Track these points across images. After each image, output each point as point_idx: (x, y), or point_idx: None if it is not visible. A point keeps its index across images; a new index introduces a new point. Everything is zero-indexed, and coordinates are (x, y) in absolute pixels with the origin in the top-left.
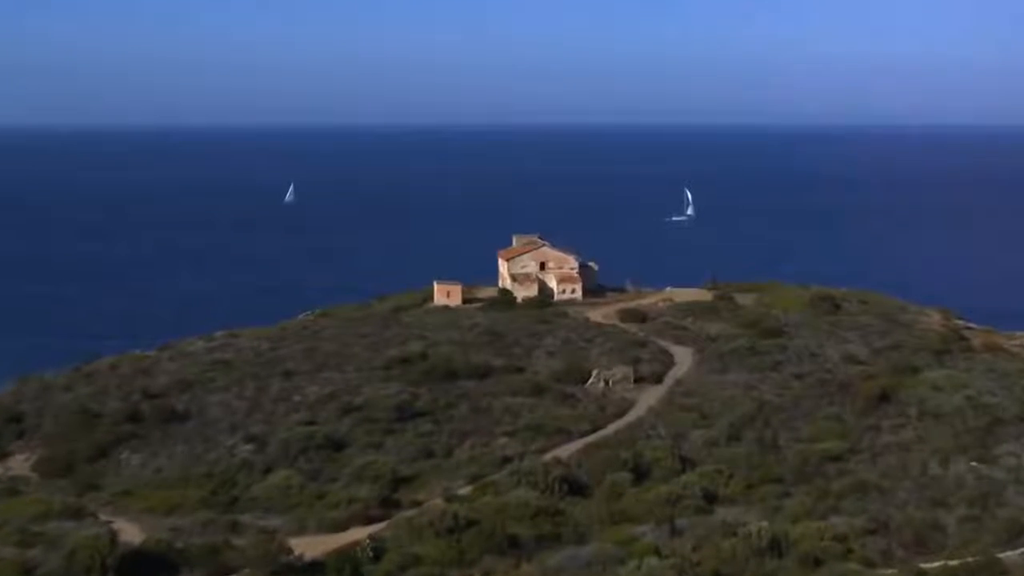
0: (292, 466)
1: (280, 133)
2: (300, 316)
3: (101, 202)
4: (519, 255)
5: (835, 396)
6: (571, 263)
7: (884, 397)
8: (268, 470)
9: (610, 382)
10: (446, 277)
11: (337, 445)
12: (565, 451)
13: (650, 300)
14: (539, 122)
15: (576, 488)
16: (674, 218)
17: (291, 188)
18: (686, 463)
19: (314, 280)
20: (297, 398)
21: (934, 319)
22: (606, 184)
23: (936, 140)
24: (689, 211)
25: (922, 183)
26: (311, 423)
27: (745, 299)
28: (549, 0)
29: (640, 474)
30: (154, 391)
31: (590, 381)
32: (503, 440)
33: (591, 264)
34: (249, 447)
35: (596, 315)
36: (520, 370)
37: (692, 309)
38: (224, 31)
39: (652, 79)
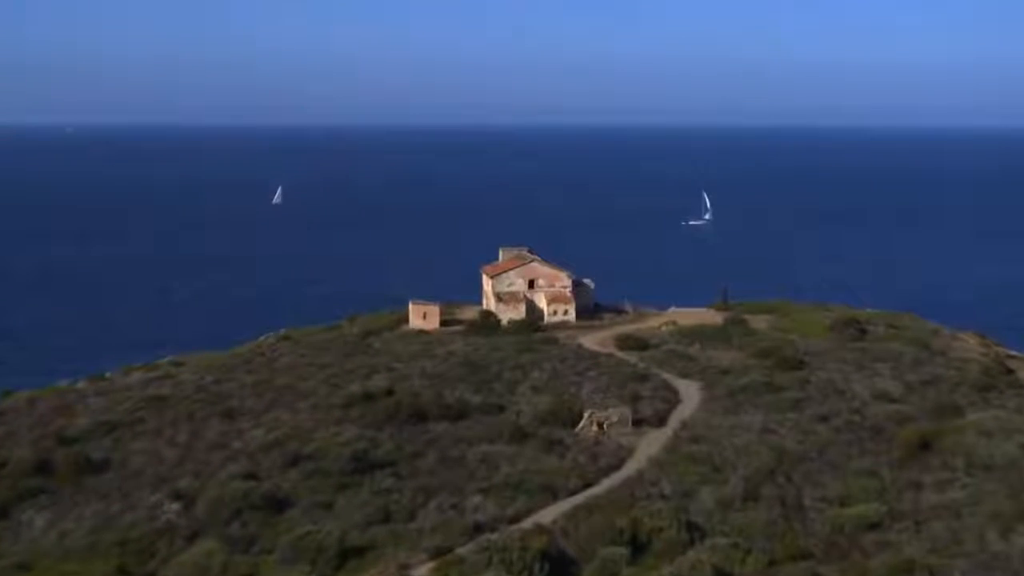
0: (223, 531)
1: (276, 133)
2: (261, 338)
3: (82, 203)
4: (505, 271)
5: (867, 443)
6: (563, 280)
7: (925, 445)
8: (194, 535)
9: (604, 425)
10: (436, 287)
11: (279, 504)
12: (549, 514)
13: (651, 323)
14: (540, 122)
15: (560, 566)
16: (692, 222)
17: (279, 190)
18: (694, 531)
19: (293, 289)
20: (237, 444)
21: (971, 345)
22: (610, 187)
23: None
24: (707, 216)
25: None
26: (250, 476)
27: (758, 321)
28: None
29: (638, 546)
30: (72, 435)
31: (581, 424)
32: (476, 499)
33: (586, 281)
34: (175, 507)
35: (590, 341)
36: (501, 409)
37: (699, 334)
38: (223, 31)
39: (654, 79)
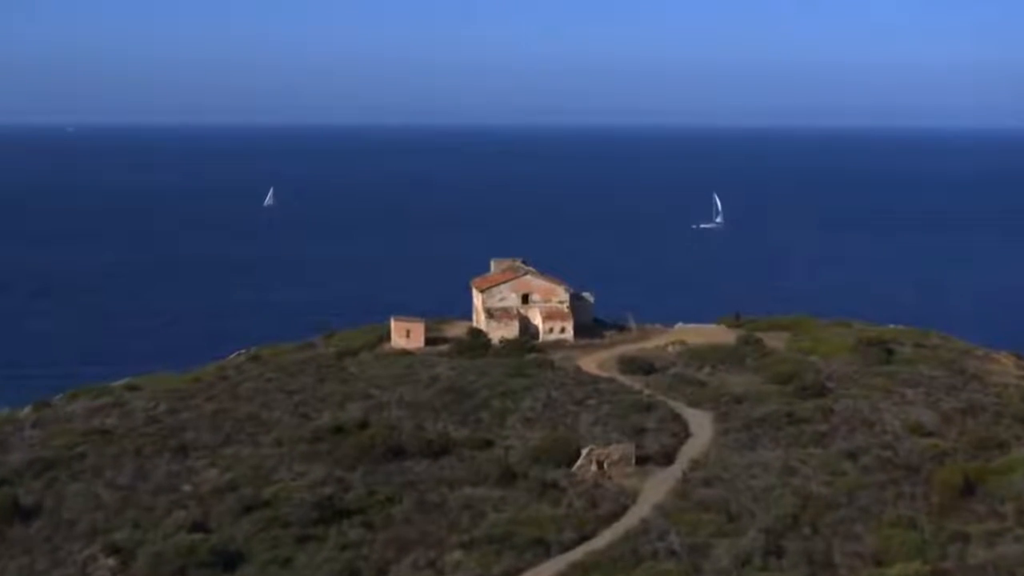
0: None
1: (276, 133)
2: (231, 356)
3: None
4: (496, 285)
5: (902, 485)
6: (560, 294)
7: (968, 487)
8: None
9: (605, 464)
10: (430, 295)
11: (230, 560)
12: (541, 574)
13: (657, 342)
14: (539, 122)
15: None
16: (703, 225)
17: (271, 192)
18: None
19: (275, 298)
20: (187, 487)
21: (1007, 366)
22: (611, 188)
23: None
24: (718, 219)
25: None
26: (199, 527)
27: (775, 340)
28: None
29: None
30: (1, 475)
31: (578, 463)
32: (457, 555)
33: (585, 295)
34: (111, 562)
35: (590, 363)
36: (488, 444)
37: (710, 356)
38: (223, 31)
39: (654, 80)
